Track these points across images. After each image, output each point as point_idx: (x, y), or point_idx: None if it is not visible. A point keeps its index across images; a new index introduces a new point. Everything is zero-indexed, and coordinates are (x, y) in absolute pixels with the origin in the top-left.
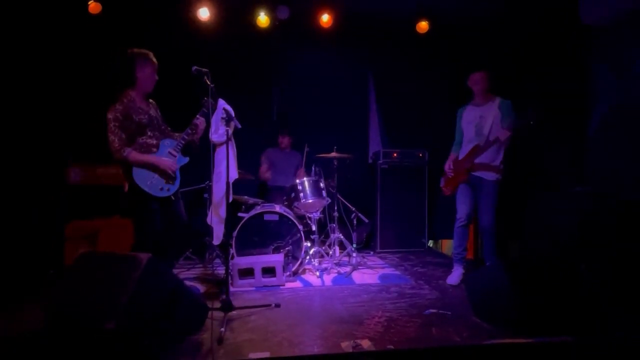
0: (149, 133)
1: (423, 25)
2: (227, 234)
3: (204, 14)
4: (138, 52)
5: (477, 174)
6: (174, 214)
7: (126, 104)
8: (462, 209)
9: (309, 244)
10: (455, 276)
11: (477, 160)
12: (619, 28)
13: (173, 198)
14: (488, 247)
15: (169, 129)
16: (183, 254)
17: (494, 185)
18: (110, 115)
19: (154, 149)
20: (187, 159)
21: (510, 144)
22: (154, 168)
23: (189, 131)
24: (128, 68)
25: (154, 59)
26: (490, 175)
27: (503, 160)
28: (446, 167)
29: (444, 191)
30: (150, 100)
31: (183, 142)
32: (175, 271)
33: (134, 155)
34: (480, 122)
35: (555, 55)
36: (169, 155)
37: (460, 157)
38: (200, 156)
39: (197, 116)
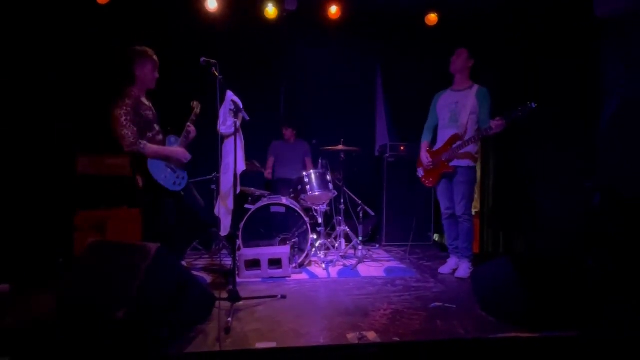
0: (156, 128)
1: (432, 18)
2: (234, 225)
3: (211, 4)
4: (137, 50)
5: (453, 163)
6: (185, 209)
7: (134, 99)
8: (443, 203)
9: (315, 236)
10: (448, 266)
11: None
12: (632, 21)
13: (182, 193)
14: (464, 239)
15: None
16: (191, 245)
17: (468, 171)
18: (120, 111)
19: (162, 145)
20: (190, 156)
21: (519, 138)
22: (169, 159)
23: (186, 134)
24: (127, 66)
25: (154, 57)
26: (465, 162)
27: (480, 148)
28: (424, 158)
29: (425, 183)
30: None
31: (187, 135)
32: (182, 261)
33: (150, 147)
34: (456, 108)
35: (566, 48)
36: None
37: (438, 146)
38: (208, 148)
39: (189, 123)
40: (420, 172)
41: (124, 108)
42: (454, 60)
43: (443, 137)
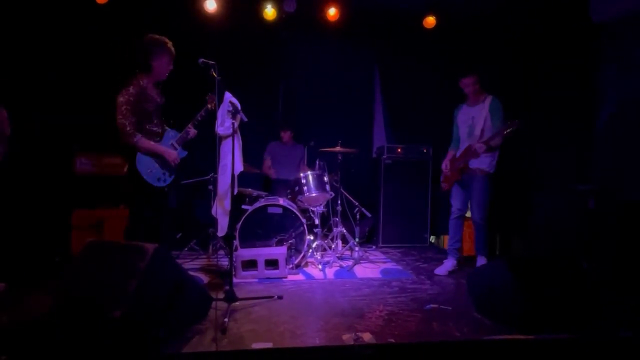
0: (154, 121)
1: (430, 21)
2: (231, 226)
3: (210, 6)
4: (156, 40)
5: (470, 171)
6: (164, 205)
7: (140, 88)
8: (455, 203)
9: (311, 238)
10: (444, 267)
11: (470, 163)
12: (629, 26)
13: (166, 190)
14: (479, 241)
15: (163, 119)
16: (187, 245)
17: (485, 179)
18: (122, 99)
19: (157, 138)
20: (185, 153)
21: (515, 141)
22: (158, 157)
23: (186, 132)
24: (144, 55)
25: (172, 48)
26: (481, 171)
27: (497, 158)
28: (443, 166)
29: (442, 187)
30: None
31: (186, 136)
32: (179, 262)
33: (143, 142)
34: (472, 123)
35: (563, 52)
36: (171, 147)
37: (457, 155)
38: (205, 148)
39: (190, 125)
40: (442, 177)
41: (127, 96)
42: (466, 86)
43: (461, 148)
